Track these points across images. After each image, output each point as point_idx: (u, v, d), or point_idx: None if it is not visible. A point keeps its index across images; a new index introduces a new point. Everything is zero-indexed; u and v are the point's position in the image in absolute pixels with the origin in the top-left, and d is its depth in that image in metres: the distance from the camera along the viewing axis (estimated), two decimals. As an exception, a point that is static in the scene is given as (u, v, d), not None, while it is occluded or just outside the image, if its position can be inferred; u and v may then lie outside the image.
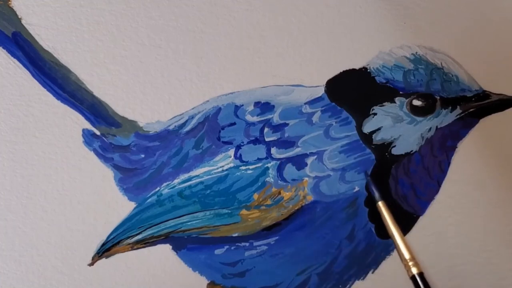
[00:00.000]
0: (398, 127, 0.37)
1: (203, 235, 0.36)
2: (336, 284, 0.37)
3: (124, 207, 0.36)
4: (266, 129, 0.37)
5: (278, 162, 0.36)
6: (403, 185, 0.37)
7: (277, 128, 0.37)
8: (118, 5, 0.37)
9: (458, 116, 0.38)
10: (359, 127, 0.37)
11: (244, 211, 0.36)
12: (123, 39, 0.37)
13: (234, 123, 0.37)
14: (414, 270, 0.28)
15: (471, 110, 0.38)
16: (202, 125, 0.37)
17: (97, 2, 0.37)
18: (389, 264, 0.36)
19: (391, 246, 0.37)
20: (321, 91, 0.38)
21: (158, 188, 0.37)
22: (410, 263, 0.29)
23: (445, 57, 0.39)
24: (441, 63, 0.38)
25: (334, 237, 0.37)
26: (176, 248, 0.37)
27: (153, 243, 0.36)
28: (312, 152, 0.36)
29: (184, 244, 0.37)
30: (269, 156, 0.36)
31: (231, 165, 0.36)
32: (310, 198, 0.36)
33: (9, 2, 0.36)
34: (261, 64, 0.38)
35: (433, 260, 0.36)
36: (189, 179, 0.36)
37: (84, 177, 0.36)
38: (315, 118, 0.37)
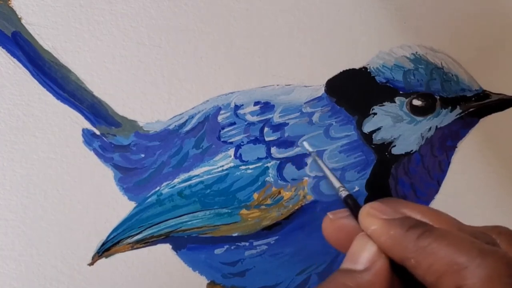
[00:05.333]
0: (398, 127, 0.37)
1: (203, 235, 0.36)
2: (336, 284, 0.37)
3: (124, 206, 0.36)
4: (266, 129, 0.37)
5: (278, 162, 0.36)
6: (403, 185, 0.37)
7: (277, 127, 0.37)
8: (118, 5, 0.37)
9: (458, 116, 0.38)
10: (359, 127, 0.37)
11: (244, 211, 0.36)
12: (123, 39, 0.37)
13: (234, 123, 0.37)
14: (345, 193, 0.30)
15: (471, 109, 0.38)
16: (202, 124, 0.37)
17: (97, 2, 0.37)
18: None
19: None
20: (321, 91, 0.38)
21: (158, 188, 0.37)
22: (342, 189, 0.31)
23: (445, 57, 0.39)
24: (441, 63, 0.38)
25: (334, 237, 0.37)
26: (176, 248, 0.37)
27: (153, 243, 0.36)
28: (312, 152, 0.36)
29: (184, 243, 0.37)
30: (269, 155, 0.36)
31: (231, 164, 0.36)
32: (310, 197, 0.36)
33: (9, 2, 0.36)
34: (261, 64, 0.38)
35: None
36: (189, 178, 0.36)
37: (84, 177, 0.36)
38: (315, 118, 0.37)
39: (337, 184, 0.32)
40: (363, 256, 0.24)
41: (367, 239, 0.25)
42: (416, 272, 0.22)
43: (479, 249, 0.21)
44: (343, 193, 0.30)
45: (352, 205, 0.29)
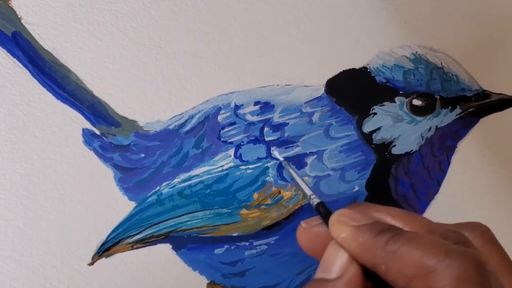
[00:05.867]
0: (398, 127, 0.37)
1: (203, 235, 0.36)
2: (336, 284, 0.37)
3: (124, 206, 0.36)
4: (266, 129, 0.37)
5: (278, 162, 0.36)
6: (403, 185, 0.37)
7: (277, 127, 0.37)
8: (118, 4, 0.37)
9: (458, 116, 0.38)
10: (359, 127, 0.37)
11: (244, 211, 0.36)
12: (123, 39, 0.37)
13: (234, 123, 0.37)
14: (316, 201, 0.30)
15: (471, 109, 0.38)
16: (202, 124, 0.37)
17: (97, 2, 0.37)
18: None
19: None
20: (321, 91, 0.38)
21: (158, 188, 0.37)
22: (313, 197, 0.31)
23: (445, 56, 0.39)
24: (441, 63, 0.38)
25: (334, 237, 0.36)
26: (176, 248, 0.37)
27: (153, 243, 0.36)
28: (312, 152, 0.36)
29: (184, 243, 0.37)
30: (269, 155, 0.36)
31: (231, 164, 0.36)
32: (310, 197, 0.36)
33: (9, 2, 0.36)
34: (261, 64, 0.38)
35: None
36: (189, 178, 0.36)
37: (84, 177, 0.36)
38: (315, 118, 0.37)
39: (308, 192, 0.31)
40: (335, 264, 0.24)
41: (339, 247, 0.25)
42: (387, 278, 0.22)
43: (447, 250, 0.21)
44: (315, 201, 0.30)
45: (324, 213, 0.28)
